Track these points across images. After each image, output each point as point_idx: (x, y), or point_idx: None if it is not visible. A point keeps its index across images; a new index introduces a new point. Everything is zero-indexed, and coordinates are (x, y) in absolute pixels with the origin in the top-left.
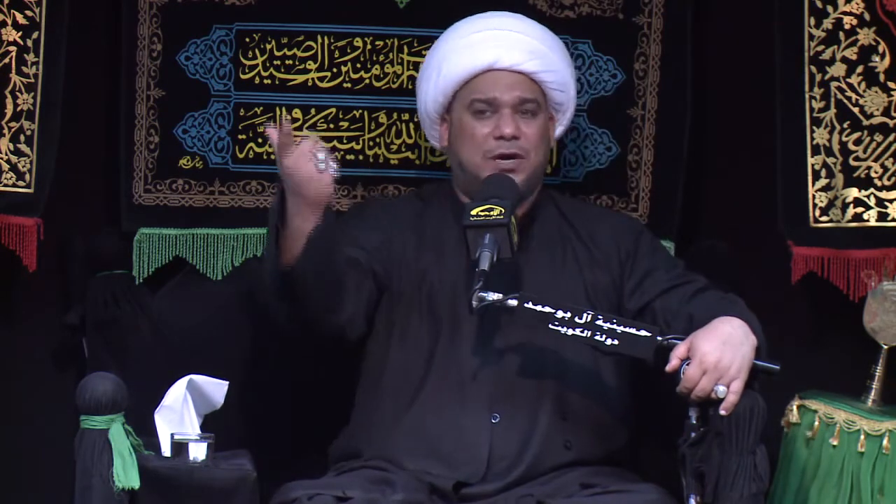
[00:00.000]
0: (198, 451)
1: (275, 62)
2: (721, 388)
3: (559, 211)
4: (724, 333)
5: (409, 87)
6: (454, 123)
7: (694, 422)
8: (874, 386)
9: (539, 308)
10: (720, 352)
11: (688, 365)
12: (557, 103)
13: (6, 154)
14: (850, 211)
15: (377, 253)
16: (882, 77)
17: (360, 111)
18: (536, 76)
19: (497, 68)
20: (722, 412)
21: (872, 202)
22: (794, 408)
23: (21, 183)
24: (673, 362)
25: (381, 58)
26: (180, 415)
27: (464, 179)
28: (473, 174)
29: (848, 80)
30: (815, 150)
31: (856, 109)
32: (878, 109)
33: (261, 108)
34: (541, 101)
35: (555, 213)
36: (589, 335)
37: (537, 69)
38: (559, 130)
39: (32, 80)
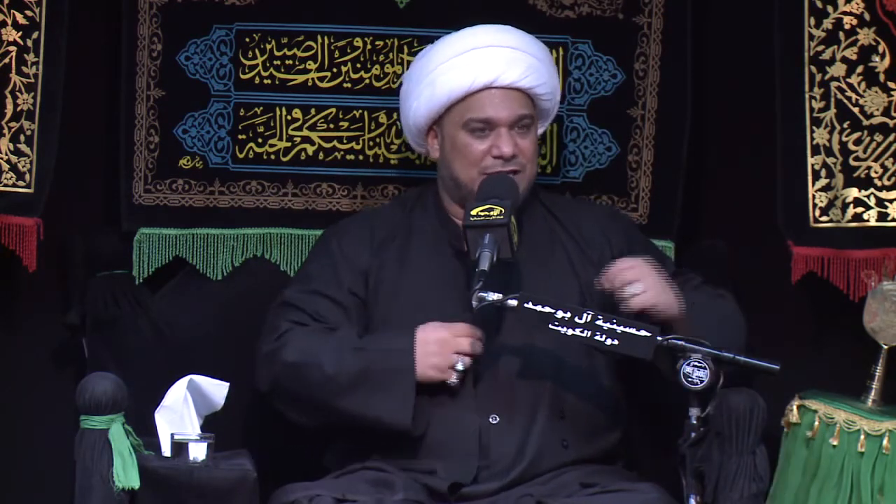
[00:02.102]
0: (198, 451)
1: (275, 62)
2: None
3: (546, 209)
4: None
5: None
6: (447, 138)
7: (694, 422)
8: (874, 386)
9: (539, 308)
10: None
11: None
12: (544, 111)
13: (6, 154)
14: (850, 211)
15: (360, 287)
16: (882, 77)
17: (360, 111)
18: (531, 91)
19: (495, 87)
20: (625, 307)
21: (872, 202)
22: (794, 408)
23: (21, 183)
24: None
25: (381, 58)
26: (180, 415)
27: (457, 193)
28: (469, 188)
29: (848, 80)
30: (815, 150)
31: (856, 109)
32: (878, 109)
33: (261, 108)
34: (534, 114)
35: (542, 213)
36: (589, 335)
37: (532, 84)
38: (540, 130)
39: (32, 80)
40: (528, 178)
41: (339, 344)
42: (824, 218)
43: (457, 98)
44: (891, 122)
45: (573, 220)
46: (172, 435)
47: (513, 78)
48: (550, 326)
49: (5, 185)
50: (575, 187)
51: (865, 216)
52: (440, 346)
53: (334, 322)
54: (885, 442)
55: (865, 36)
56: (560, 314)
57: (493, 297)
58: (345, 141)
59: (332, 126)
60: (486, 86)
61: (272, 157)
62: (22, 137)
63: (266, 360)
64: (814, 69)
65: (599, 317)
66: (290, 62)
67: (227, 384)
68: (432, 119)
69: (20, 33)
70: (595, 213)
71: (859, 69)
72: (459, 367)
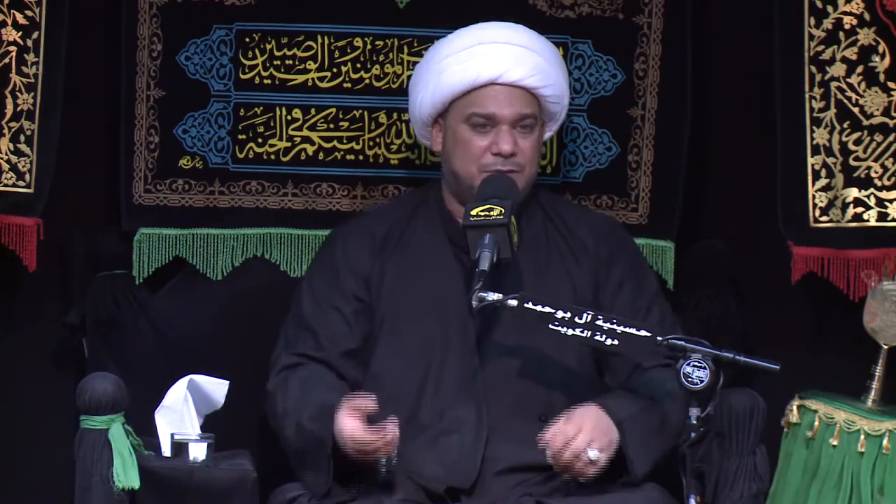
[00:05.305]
0: (198, 451)
1: (275, 62)
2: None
3: (544, 211)
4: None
5: None
6: (449, 131)
7: (694, 422)
8: (874, 386)
9: (539, 308)
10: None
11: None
12: (551, 113)
13: (6, 154)
14: (850, 211)
15: (364, 292)
16: (882, 77)
17: (360, 111)
18: (536, 91)
19: (499, 83)
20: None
21: (872, 202)
22: (794, 408)
23: (21, 183)
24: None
25: (381, 58)
26: (180, 415)
27: (456, 188)
28: (467, 184)
29: (848, 80)
30: (815, 150)
31: (856, 109)
32: (878, 109)
33: (261, 108)
34: (538, 115)
35: (540, 214)
36: (589, 335)
37: (538, 84)
38: (548, 134)
39: (32, 80)
40: (525, 179)
41: (301, 412)
42: (824, 218)
43: (461, 91)
44: (891, 122)
45: (568, 224)
46: (172, 435)
47: (518, 76)
48: (550, 326)
49: (5, 185)
50: (575, 187)
51: (865, 216)
52: (353, 445)
53: (343, 339)
54: (885, 442)
55: (865, 36)
56: (560, 314)
57: (493, 297)
58: (345, 141)
59: (332, 126)
60: (491, 81)
61: (272, 157)
62: (22, 137)
63: (268, 397)
64: (814, 69)
65: (600, 317)
66: (290, 62)
67: (227, 382)
68: (437, 111)
69: (20, 33)
70: (593, 221)
71: (859, 69)
72: (382, 465)
